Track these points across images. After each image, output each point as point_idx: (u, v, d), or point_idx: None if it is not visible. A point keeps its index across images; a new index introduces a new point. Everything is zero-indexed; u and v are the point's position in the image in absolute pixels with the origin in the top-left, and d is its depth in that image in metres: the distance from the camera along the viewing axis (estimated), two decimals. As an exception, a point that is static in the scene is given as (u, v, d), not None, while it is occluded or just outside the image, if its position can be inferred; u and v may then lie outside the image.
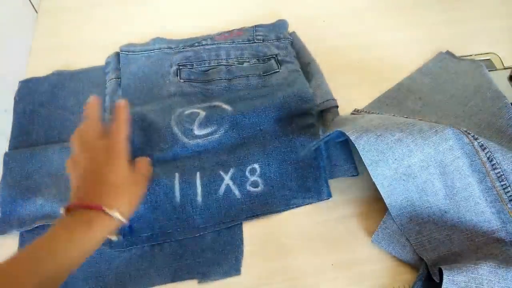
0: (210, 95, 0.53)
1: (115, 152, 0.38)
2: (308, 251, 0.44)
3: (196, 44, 0.58)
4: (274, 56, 0.56)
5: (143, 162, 0.43)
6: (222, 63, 0.56)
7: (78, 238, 0.34)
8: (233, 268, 0.43)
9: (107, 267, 0.43)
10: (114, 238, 0.40)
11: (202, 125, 0.49)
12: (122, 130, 0.40)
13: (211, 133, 0.49)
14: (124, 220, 0.36)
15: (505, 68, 0.57)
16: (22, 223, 0.45)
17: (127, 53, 0.57)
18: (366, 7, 0.65)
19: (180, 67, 0.55)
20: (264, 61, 0.56)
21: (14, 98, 0.55)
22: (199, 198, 0.46)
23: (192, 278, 0.42)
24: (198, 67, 0.56)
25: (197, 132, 0.49)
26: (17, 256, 0.32)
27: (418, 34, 0.62)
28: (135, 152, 0.46)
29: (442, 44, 0.60)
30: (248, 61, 0.56)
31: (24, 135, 0.52)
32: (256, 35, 0.58)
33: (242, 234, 0.45)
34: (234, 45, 0.58)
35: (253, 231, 0.45)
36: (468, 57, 0.58)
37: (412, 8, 0.65)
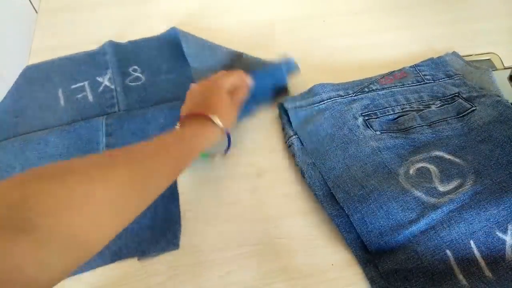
0: (419, 145, 0.48)
1: (218, 85, 0.47)
2: (308, 251, 0.44)
3: (366, 90, 0.53)
4: (456, 94, 0.52)
5: (240, 91, 0.49)
6: (406, 109, 0.52)
7: (191, 141, 0.41)
8: (171, 243, 0.44)
9: None
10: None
11: (444, 180, 0.45)
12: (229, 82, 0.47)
13: (458, 187, 0.44)
14: (221, 126, 0.43)
15: (505, 68, 0.57)
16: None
17: (294, 108, 0.52)
18: (366, 7, 0.66)
19: (366, 118, 0.51)
20: (448, 101, 0.52)
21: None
22: (485, 272, 0.40)
23: (131, 256, 0.43)
24: (383, 116, 0.51)
25: (441, 188, 0.44)
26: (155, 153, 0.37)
27: (418, 34, 0.62)
28: None
29: (442, 44, 0.60)
30: (433, 103, 0.52)
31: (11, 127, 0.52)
32: (423, 75, 0.55)
33: (180, 211, 0.46)
34: (406, 88, 0.54)
35: (253, 231, 0.45)
36: (468, 57, 0.58)
37: (412, 8, 0.65)
